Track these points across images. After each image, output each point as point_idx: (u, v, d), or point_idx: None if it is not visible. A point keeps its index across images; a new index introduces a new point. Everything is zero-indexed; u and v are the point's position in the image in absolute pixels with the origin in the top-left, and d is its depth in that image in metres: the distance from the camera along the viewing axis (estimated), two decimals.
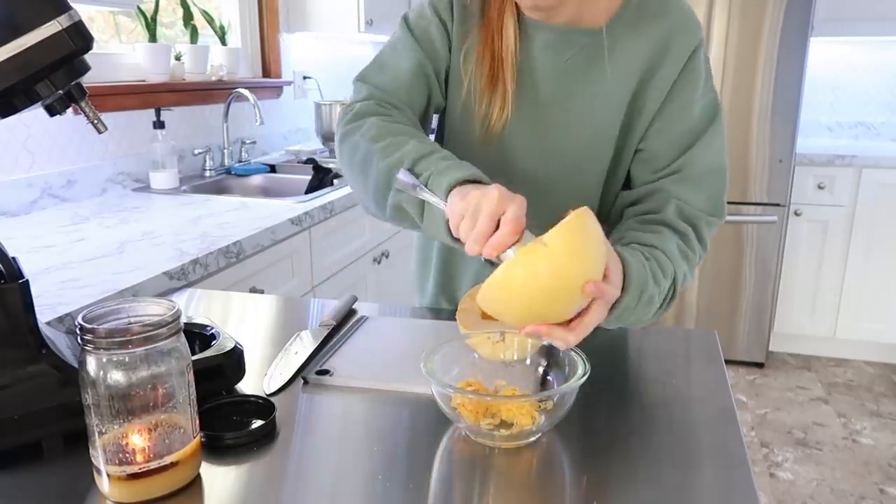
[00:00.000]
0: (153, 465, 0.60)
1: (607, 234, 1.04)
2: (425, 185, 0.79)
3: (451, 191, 0.76)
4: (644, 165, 0.98)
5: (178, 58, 2.34)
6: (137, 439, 0.60)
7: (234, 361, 0.80)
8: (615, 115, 0.97)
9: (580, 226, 0.67)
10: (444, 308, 1.14)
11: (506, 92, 0.95)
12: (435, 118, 1.08)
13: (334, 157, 0.99)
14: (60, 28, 0.66)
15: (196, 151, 2.35)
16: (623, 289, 0.76)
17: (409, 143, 0.85)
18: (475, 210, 0.70)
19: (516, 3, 0.93)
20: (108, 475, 0.60)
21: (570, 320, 0.71)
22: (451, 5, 0.99)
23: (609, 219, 1.04)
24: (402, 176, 0.81)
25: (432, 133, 1.09)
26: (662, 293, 0.84)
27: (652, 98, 0.96)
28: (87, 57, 0.72)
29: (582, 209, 0.68)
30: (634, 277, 0.77)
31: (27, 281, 0.67)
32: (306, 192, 2.16)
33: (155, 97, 2.15)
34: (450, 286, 1.15)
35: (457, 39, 0.99)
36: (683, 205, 0.93)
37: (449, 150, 1.04)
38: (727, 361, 3.08)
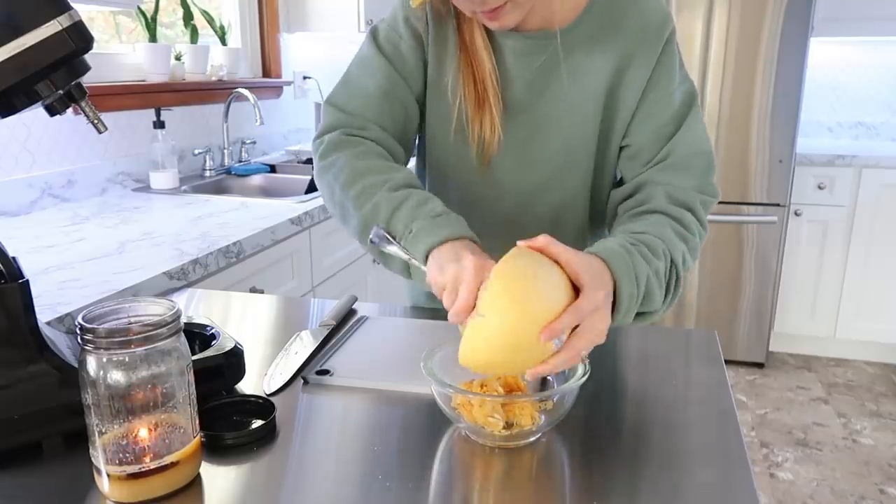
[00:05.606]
0: (153, 464, 0.60)
1: (605, 234, 1.04)
2: (403, 247, 0.80)
3: (428, 254, 0.78)
4: (631, 161, 0.97)
5: (178, 58, 2.34)
6: (137, 439, 0.60)
7: (234, 361, 0.80)
8: (593, 113, 0.96)
9: (504, 284, 0.65)
10: (436, 307, 1.14)
11: (493, 114, 0.94)
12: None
13: None
14: (60, 28, 0.66)
15: (196, 151, 2.35)
16: (616, 284, 0.73)
17: (380, 190, 0.85)
18: (454, 284, 0.71)
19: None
20: (108, 475, 0.60)
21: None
22: (426, 22, 0.96)
23: (603, 218, 1.04)
24: (378, 238, 0.83)
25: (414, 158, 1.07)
26: (661, 275, 0.80)
27: (629, 93, 0.95)
28: (87, 57, 0.72)
29: (501, 262, 0.67)
30: (622, 268, 0.74)
31: (27, 281, 0.67)
32: (306, 192, 2.16)
33: (155, 97, 2.15)
34: None
35: (434, 62, 0.97)
36: (673, 189, 0.91)
37: (442, 175, 1.03)
38: (727, 361, 3.08)
